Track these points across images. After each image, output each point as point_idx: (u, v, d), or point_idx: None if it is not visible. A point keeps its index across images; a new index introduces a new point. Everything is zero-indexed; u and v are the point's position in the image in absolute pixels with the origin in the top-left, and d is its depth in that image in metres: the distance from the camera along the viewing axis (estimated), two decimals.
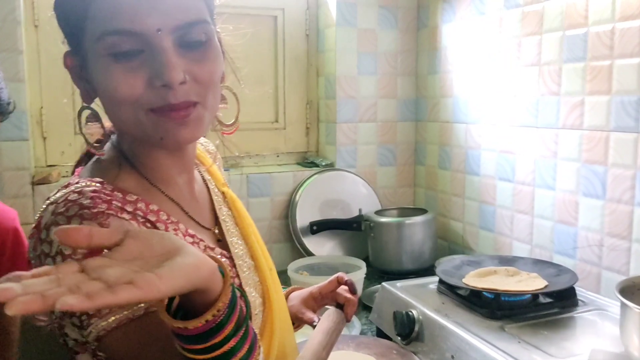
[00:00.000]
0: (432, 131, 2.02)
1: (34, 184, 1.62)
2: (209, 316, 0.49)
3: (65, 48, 0.71)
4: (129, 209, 0.67)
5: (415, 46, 2.07)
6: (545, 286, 1.18)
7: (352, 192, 1.98)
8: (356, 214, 1.90)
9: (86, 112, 0.72)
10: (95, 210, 0.62)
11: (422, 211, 1.86)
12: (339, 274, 1.02)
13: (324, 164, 2.02)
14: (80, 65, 0.70)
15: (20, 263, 1.24)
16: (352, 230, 1.88)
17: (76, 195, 0.64)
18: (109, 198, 0.66)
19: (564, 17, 1.43)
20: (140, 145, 0.73)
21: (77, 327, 0.60)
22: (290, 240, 1.91)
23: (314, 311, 1.01)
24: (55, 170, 1.71)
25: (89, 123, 0.73)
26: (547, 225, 1.53)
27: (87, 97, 0.71)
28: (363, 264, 1.59)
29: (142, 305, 0.59)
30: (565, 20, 1.43)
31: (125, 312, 0.59)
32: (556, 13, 1.46)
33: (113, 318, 0.59)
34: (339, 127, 2.00)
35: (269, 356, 0.76)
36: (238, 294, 0.54)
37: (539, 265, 1.32)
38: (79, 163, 0.81)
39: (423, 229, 1.80)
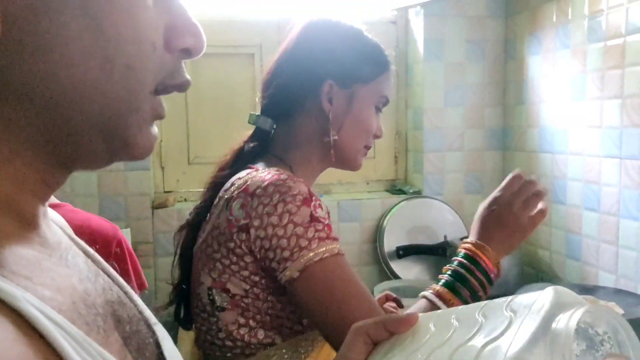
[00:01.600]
0: (519, 160, 2.06)
1: (154, 208, 1.87)
2: None
3: None
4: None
5: (503, 77, 2.13)
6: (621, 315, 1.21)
7: (438, 219, 2.06)
8: (442, 240, 1.98)
9: None
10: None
11: None
12: (387, 292, 1.20)
13: (411, 191, 2.12)
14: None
15: (123, 273, 1.44)
16: (437, 255, 1.96)
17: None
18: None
19: None
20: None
21: (270, 269, 0.82)
22: (377, 263, 2.03)
23: None
24: (172, 196, 1.95)
25: None
26: (632, 256, 1.53)
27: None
28: None
29: (323, 249, 0.81)
30: None
31: (311, 255, 0.80)
32: (637, 47, 1.48)
33: (304, 259, 0.80)
34: (426, 156, 2.10)
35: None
36: None
37: (620, 294, 1.34)
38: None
39: (507, 258, 1.84)
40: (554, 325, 0.49)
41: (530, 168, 1.99)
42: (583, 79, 1.71)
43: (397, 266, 1.99)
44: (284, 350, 0.87)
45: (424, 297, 0.92)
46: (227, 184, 0.93)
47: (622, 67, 1.54)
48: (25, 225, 0.40)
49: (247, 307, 0.86)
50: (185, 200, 2.01)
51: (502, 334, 0.52)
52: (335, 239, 0.85)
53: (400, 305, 1.19)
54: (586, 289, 1.39)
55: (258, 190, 0.84)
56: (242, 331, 0.86)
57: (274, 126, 1.01)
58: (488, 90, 2.13)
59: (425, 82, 2.07)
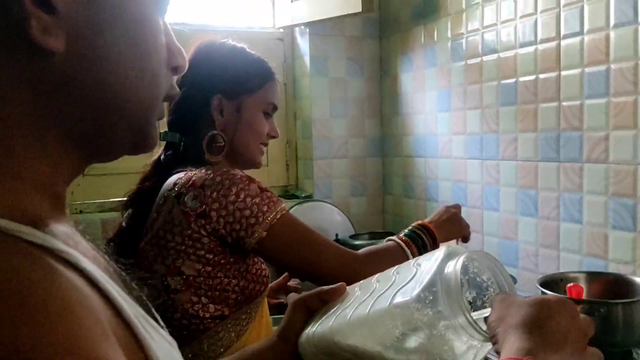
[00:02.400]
0: (397, 165, 2.32)
1: None
2: None
3: None
4: None
5: (380, 92, 2.38)
6: None
7: (329, 220, 2.25)
8: (333, 238, 2.16)
9: None
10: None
11: (390, 234, 2.13)
12: (286, 274, 1.47)
13: (303, 195, 2.29)
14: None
15: None
16: None
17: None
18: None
19: (499, 69, 1.75)
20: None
21: (238, 238, 0.99)
22: None
23: (273, 299, 1.44)
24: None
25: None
26: (494, 241, 1.82)
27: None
28: None
29: (279, 208, 1.00)
30: (500, 72, 1.75)
31: (272, 215, 0.99)
32: (492, 66, 1.78)
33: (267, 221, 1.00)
34: (315, 163, 2.28)
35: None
36: None
37: None
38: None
39: None
40: (446, 270, 0.66)
41: (406, 171, 2.25)
42: (448, 93, 1.99)
43: None
44: (229, 325, 0.99)
45: (390, 239, 1.15)
46: (168, 185, 1.03)
47: (481, 82, 1.83)
48: (58, 204, 0.49)
49: (199, 285, 0.98)
50: (80, 212, 2.00)
51: (409, 281, 0.69)
52: (281, 201, 1.06)
53: (299, 292, 1.42)
54: None
55: (207, 182, 0.99)
56: (196, 308, 0.98)
57: (182, 139, 1.14)
58: (367, 103, 2.37)
59: (312, 95, 2.26)
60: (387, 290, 0.71)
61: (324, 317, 0.75)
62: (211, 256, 1.00)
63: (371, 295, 0.72)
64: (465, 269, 0.68)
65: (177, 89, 0.57)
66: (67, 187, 0.51)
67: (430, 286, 0.65)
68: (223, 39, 1.20)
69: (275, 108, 1.24)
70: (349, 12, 2.04)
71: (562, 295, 1.11)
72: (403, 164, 2.28)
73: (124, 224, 1.12)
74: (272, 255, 1.04)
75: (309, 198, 2.28)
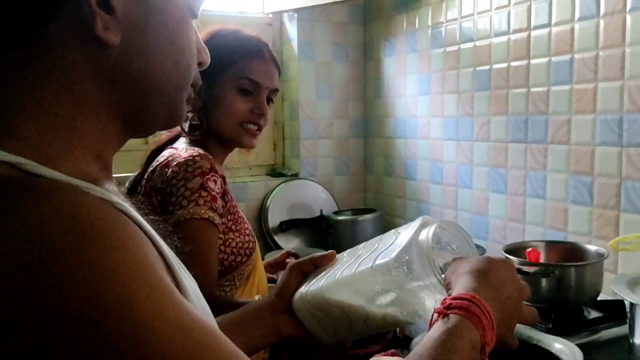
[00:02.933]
0: (378, 145, 2.45)
1: None
2: None
3: None
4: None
5: (363, 76, 2.50)
6: None
7: (314, 197, 2.38)
8: (318, 214, 2.30)
9: None
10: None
11: (372, 211, 2.27)
12: (287, 249, 1.59)
13: (289, 174, 2.41)
14: None
15: None
16: (314, 227, 2.28)
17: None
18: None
19: (474, 57, 1.88)
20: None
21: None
22: (264, 238, 2.29)
23: (271, 273, 1.48)
24: None
25: None
26: (467, 217, 1.97)
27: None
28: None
29: (194, 211, 1.09)
30: (475, 59, 1.88)
31: (184, 212, 1.08)
32: (468, 53, 1.91)
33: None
34: (301, 143, 2.40)
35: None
36: None
37: None
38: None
39: (373, 225, 2.21)
40: (420, 236, 0.78)
41: (387, 151, 2.39)
42: (428, 78, 2.12)
43: (280, 239, 2.27)
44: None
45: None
46: (155, 161, 1.17)
47: (458, 68, 1.96)
48: (107, 170, 0.60)
49: None
50: None
51: (389, 246, 0.81)
52: (213, 209, 1.10)
53: (297, 257, 1.49)
54: None
55: (173, 164, 1.12)
56: None
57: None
58: (351, 87, 2.49)
59: (299, 78, 2.37)
60: (370, 254, 0.83)
61: (315, 279, 0.87)
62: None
63: (357, 259, 0.85)
64: (437, 237, 0.81)
65: (201, 78, 0.67)
66: (113, 157, 0.63)
67: (406, 250, 0.77)
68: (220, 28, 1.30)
69: (255, 84, 1.24)
70: (335, 0, 2.15)
71: (506, 257, 1.25)
72: (384, 144, 2.41)
73: (127, 185, 1.25)
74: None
75: (295, 176, 2.40)
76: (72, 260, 0.39)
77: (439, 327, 0.60)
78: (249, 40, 1.27)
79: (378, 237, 0.90)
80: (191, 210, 1.07)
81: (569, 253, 1.36)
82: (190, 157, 1.11)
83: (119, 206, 0.48)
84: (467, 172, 1.96)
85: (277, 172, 2.46)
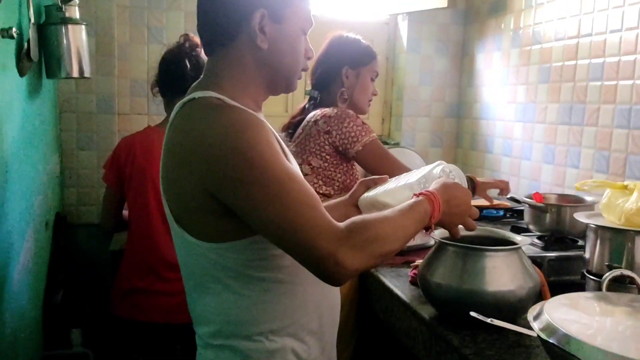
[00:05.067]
0: (467, 125, 3.01)
1: None
2: None
3: None
4: None
5: (460, 67, 3.07)
6: None
7: (411, 163, 2.94)
8: None
9: None
10: None
11: None
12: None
13: (392, 143, 3.05)
14: None
15: None
16: None
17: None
18: None
19: (540, 56, 2.40)
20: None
21: (345, 149, 1.89)
22: None
23: None
24: None
25: None
26: (525, 183, 2.49)
27: None
28: None
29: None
30: (540, 58, 2.39)
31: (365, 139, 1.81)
32: (536, 53, 2.42)
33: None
34: (404, 119, 3.03)
35: None
36: None
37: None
38: None
39: None
40: (433, 171, 1.40)
41: (474, 130, 2.94)
42: (507, 72, 2.65)
43: None
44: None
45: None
46: (310, 117, 1.96)
47: (528, 65, 2.48)
48: (259, 109, 1.21)
49: (319, 173, 1.84)
50: None
51: (415, 175, 1.44)
52: (373, 132, 1.93)
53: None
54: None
55: (332, 114, 1.89)
56: (315, 186, 1.83)
57: (319, 94, 2.04)
58: (448, 76, 3.06)
59: (406, 67, 3.00)
60: (405, 178, 1.47)
61: (373, 190, 1.52)
62: (328, 157, 1.83)
63: (397, 180, 1.49)
64: (445, 172, 1.42)
65: (307, 66, 1.27)
66: (262, 103, 1.29)
67: (423, 177, 1.40)
68: (345, 32, 2.02)
69: (377, 75, 2.04)
70: (438, 7, 2.75)
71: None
72: (471, 124, 2.97)
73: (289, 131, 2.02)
74: (364, 163, 1.88)
75: (396, 145, 3.03)
76: (241, 132, 0.95)
77: (410, 200, 1.15)
78: (370, 46, 2.06)
79: (411, 172, 1.53)
80: (368, 136, 1.87)
81: (576, 201, 1.87)
82: (342, 110, 1.90)
83: (263, 119, 1.10)
84: (528, 147, 2.48)
85: (383, 141, 3.11)
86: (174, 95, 1.91)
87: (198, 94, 1.05)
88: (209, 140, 0.96)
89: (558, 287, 1.37)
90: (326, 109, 1.92)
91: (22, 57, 1.72)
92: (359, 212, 1.39)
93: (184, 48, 1.92)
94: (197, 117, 1.00)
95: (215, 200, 0.97)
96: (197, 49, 1.92)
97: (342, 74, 1.99)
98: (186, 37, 1.96)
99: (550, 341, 0.85)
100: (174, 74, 1.90)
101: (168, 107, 1.98)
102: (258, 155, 0.94)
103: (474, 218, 1.21)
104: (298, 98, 2.73)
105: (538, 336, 0.89)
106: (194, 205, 1.00)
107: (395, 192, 1.39)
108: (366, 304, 1.74)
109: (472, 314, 1.08)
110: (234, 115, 0.99)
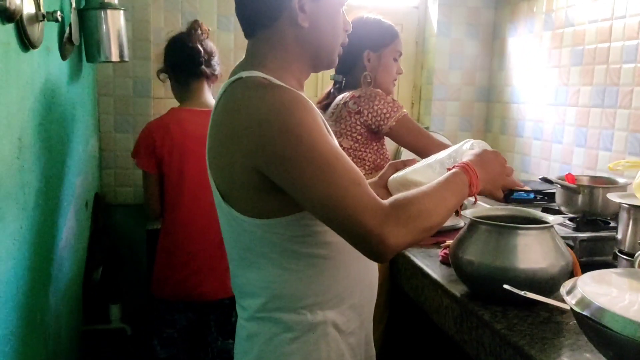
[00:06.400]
0: (497, 109, 3.00)
1: None
2: None
3: None
4: None
5: (490, 51, 3.05)
6: None
7: None
8: None
9: None
10: None
11: None
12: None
13: (422, 127, 3.05)
14: None
15: None
16: None
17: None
18: None
19: (573, 38, 2.37)
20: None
21: (379, 125, 1.90)
22: None
23: None
24: None
25: None
26: (556, 166, 2.49)
27: None
28: None
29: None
30: (573, 40, 2.37)
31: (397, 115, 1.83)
32: (569, 36, 2.40)
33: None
34: (433, 103, 3.03)
35: None
36: None
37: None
38: None
39: None
40: (462, 147, 1.42)
41: (504, 114, 2.93)
42: (538, 55, 2.63)
43: None
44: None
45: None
46: (338, 100, 1.96)
47: (560, 47, 2.47)
48: (301, 87, 1.25)
49: (349, 153, 1.87)
50: None
51: (445, 152, 1.46)
52: (404, 108, 1.96)
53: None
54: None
55: (361, 94, 1.89)
56: None
57: (344, 79, 2.04)
58: (479, 60, 3.05)
59: (436, 51, 2.99)
60: (434, 157, 1.49)
61: (403, 171, 1.55)
62: (359, 137, 1.86)
63: (426, 160, 1.51)
64: (473, 147, 1.44)
65: (347, 39, 1.30)
66: (304, 81, 1.33)
67: (453, 152, 1.42)
68: (366, 14, 2.02)
69: (400, 54, 2.03)
70: None
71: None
72: (501, 108, 2.96)
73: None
74: (398, 138, 1.91)
75: (426, 129, 3.04)
76: (291, 111, 0.97)
77: (446, 174, 1.17)
78: (394, 26, 2.03)
79: (443, 151, 1.55)
80: (400, 112, 1.90)
81: (609, 182, 1.86)
82: (370, 89, 1.91)
83: (306, 98, 1.13)
84: (559, 130, 2.47)
85: None
86: (188, 78, 2.02)
87: (244, 74, 1.08)
88: (259, 117, 0.98)
89: (589, 267, 1.38)
90: (354, 91, 1.94)
91: (64, 41, 1.78)
92: (389, 193, 1.41)
93: (197, 34, 2.03)
94: (245, 96, 1.03)
95: (263, 177, 1.00)
96: (205, 35, 2.07)
97: (363, 57, 1.98)
98: (197, 23, 2.08)
99: (584, 314, 0.87)
100: (191, 58, 2.01)
101: (182, 89, 2.05)
102: (307, 134, 0.97)
103: (510, 175, 1.25)
104: (328, 82, 2.75)
105: (571, 309, 0.91)
106: (242, 182, 1.03)
107: (425, 170, 1.41)
108: (397, 284, 1.78)
109: (506, 286, 1.11)
110: (282, 94, 1.01)
